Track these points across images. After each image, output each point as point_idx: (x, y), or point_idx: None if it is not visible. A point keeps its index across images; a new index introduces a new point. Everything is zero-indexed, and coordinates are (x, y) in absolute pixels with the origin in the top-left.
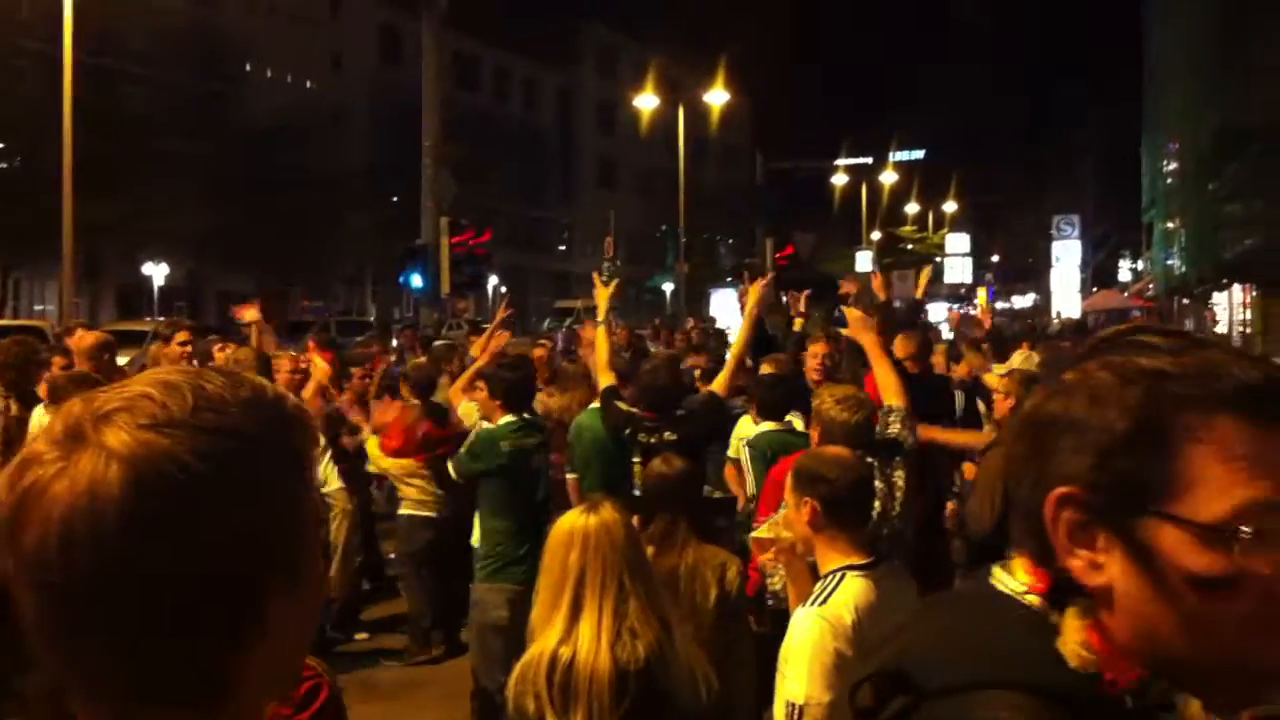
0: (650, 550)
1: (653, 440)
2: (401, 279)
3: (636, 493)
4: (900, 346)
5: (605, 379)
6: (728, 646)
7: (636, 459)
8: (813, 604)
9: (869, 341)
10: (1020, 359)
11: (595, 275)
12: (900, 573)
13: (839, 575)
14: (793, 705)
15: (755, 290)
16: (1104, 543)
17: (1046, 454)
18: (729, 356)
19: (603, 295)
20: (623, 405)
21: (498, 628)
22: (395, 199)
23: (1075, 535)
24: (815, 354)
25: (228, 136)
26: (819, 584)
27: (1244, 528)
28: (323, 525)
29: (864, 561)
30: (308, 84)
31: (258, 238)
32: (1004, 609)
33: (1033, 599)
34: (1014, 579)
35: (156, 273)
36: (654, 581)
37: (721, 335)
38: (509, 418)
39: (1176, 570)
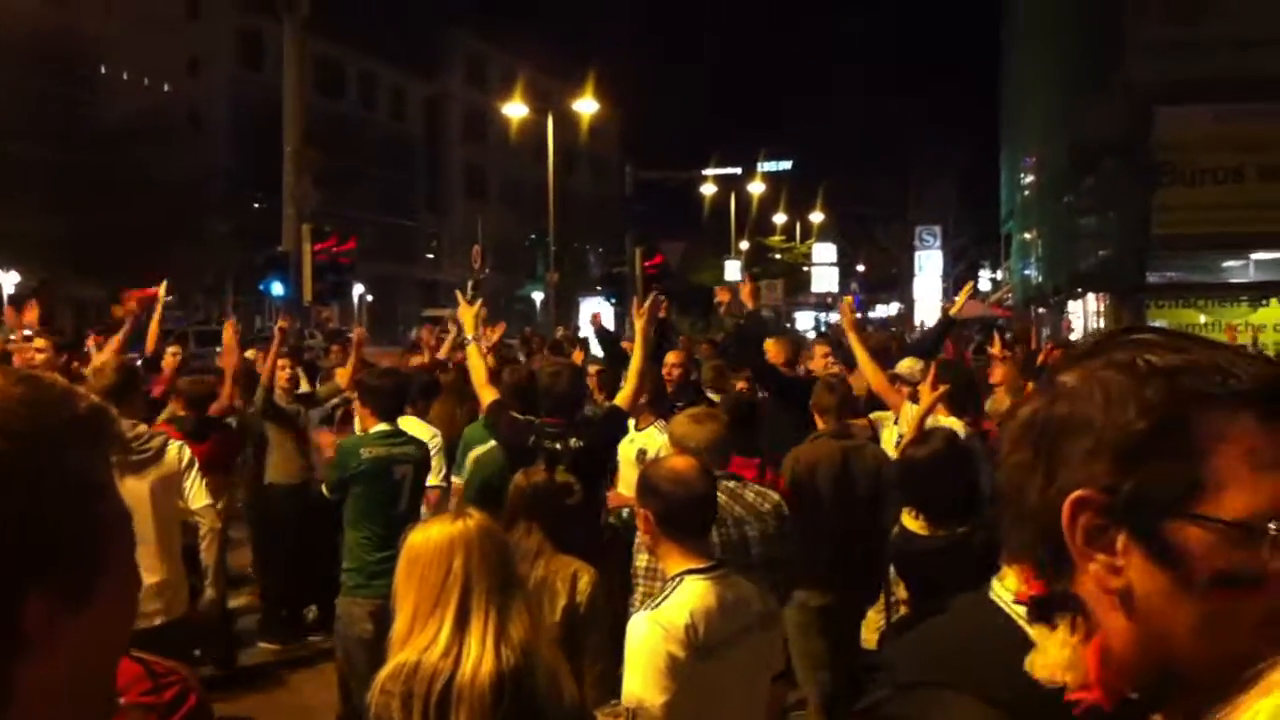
0: None
1: (559, 447)
2: (262, 286)
3: None
4: (773, 352)
5: (488, 395)
6: (574, 655)
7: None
8: (648, 608)
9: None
10: (906, 367)
11: (458, 294)
12: (741, 578)
13: (678, 580)
14: (628, 709)
15: (643, 314)
16: (1123, 545)
17: (1057, 459)
18: (630, 373)
19: (467, 313)
20: (518, 416)
21: (362, 641)
22: (256, 205)
23: (1093, 539)
24: (670, 363)
25: (82, 140)
26: (661, 588)
27: (1272, 525)
28: (128, 540)
29: (703, 565)
30: (165, 87)
31: (112, 244)
32: (986, 615)
33: (1019, 609)
34: (1004, 587)
35: (6, 280)
36: (525, 586)
37: (584, 342)
38: (380, 426)
39: (1201, 569)
